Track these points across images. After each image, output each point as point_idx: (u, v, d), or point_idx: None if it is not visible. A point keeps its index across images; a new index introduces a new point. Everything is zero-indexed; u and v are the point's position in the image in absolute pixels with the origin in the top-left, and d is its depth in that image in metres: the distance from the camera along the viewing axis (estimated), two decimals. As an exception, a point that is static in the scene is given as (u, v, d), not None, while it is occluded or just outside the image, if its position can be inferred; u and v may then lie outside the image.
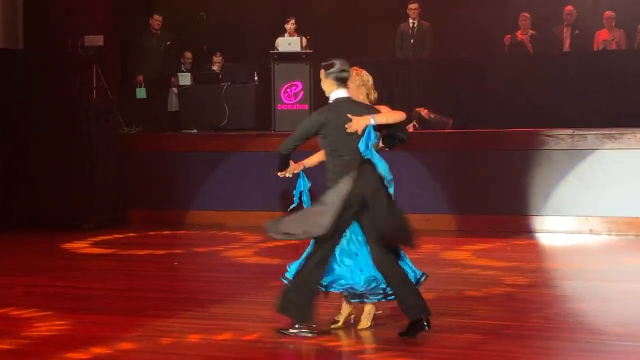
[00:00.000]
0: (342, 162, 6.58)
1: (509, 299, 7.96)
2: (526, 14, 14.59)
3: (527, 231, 11.62)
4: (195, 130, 14.30)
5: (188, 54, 15.49)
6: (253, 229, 12.38)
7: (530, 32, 14.53)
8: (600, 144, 11.52)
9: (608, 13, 14.29)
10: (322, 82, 6.73)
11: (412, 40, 14.67)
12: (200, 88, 14.84)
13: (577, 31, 14.45)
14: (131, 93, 14.77)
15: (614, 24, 14.27)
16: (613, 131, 11.55)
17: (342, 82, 6.68)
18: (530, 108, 13.31)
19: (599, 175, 11.48)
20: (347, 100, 6.67)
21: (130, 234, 12.26)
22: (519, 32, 14.56)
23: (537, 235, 11.52)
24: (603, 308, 7.50)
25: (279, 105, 13.97)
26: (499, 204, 11.92)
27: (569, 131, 11.69)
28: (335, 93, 6.68)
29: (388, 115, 6.70)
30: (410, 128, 13.38)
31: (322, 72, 6.71)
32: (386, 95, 14.04)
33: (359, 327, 6.80)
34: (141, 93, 14.72)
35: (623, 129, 11.57)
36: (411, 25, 14.71)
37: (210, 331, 6.89)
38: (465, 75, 14.01)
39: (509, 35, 14.55)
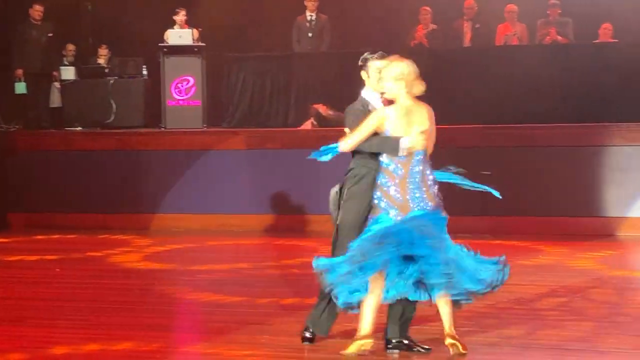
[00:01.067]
0: None
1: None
2: (427, 8, 14.76)
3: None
4: (80, 128, 14.07)
5: (71, 47, 15.23)
6: (143, 231, 12.29)
7: (432, 26, 14.71)
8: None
9: (510, 7, 14.56)
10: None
11: (310, 34, 14.69)
12: (84, 83, 14.59)
13: (477, 25, 14.71)
14: (10, 88, 14.45)
15: (516, 18, 14.55)
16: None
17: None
18: (431, 103, 13.42)
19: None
20: None
21: (8, 239, 12.00)
22: (420, 26, 14.73)
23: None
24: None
25: (169, 101, 13.84)
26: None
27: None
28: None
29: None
30: (308, 125, 13.45)
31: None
32: (283, 91, 14.12)
33: None
34: (21, 88, 14.40)
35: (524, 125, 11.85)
36: (309, 18, 14.71)
37: (105, 341, 6.79)
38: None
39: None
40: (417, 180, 6.11)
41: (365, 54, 6.48)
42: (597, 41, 14.00)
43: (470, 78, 13.37)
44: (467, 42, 14.68)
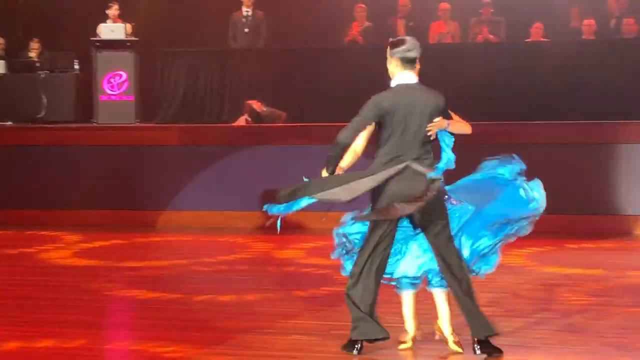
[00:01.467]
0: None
1: (341, 299, 8.00)
2: (362, 5, 14.77)
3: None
4: (10, 123, 13.83)
5: (0, 40, 14.95)
6: (74, 228, 12.10)
7: (366, 23, 14.71)
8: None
9: (443, 5, 14.64)
10: (387, 63, 6.31)
11: (246, 30, 14.59)
12: (14, 77, 14.36)
13: (411, 23, 14.75)
14: None
15: (449, 16, 14.62)
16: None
17: (409, 63, 6.28)
18: (366, 100, 13.43)
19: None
20: (410, 86, 6.25)
21: None
22: (355, 23, 14.72)
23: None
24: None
25: (101, 96, 13.66)
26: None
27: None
28: (399, 76, 6.26)
29: (462, 126, 6.35)
30: (242, 121, 13.36)
31: (388, 51, 6.29)
32: (217, 87, 14.02)
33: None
34: (-51, 82, 14.13)
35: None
36: (245, 14, 14.61)
37: (28, 338, 6.64)
38: (300, 67, 14.03)
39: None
40: None
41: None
42: (528, 40, 14.12)
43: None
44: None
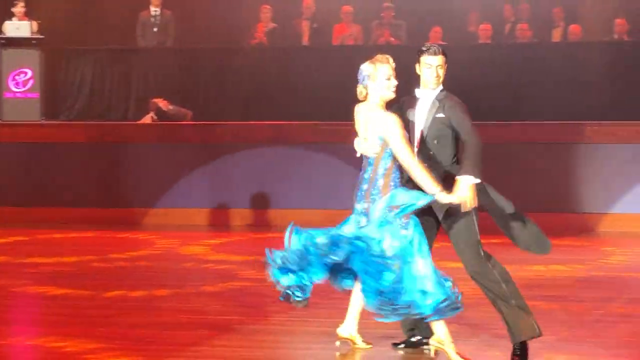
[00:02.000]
0: None
1: (244, 294, 8.07)
2: (267, 6, 14.80)
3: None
4: None
5: None
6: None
7: (272, 24, 14.76)
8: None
9: (346, 8, 14.76)
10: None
11: (155, 29, 14.53)
12: None
13: (315, 25, 14.86)
14: None
15: (351, 19, 14.76)
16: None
17: None
18: (271, 100, 13.55)
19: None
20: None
21: None
22: (261, 24, 14.76)
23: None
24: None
25: (6, 93, 13.43)
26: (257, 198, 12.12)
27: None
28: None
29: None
30: (148, 119, 13.30)
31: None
32: (124, 85, 13.93)
33: None
34: None
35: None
36: (153, 13, 14.55)
37: None
38: (206, 67, 14.03)
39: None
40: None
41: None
42: (429, 43, 14.29)
43: (308, 75, 13.52)
44: (305, 40, 14.80)
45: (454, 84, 12.76)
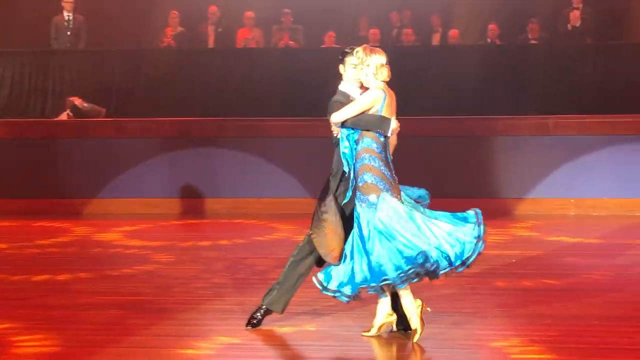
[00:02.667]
0: None
1: (155, 276, 8.01)
2: (175, 12, 14.68)
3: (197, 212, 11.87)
4: None
5: None
6: None
7: (179, 29, 14.64)
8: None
9: (248, 13, 14.74)
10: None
11: (68, 32, 14.32)
12: None
13: (220, 29, 14.80)
14: None
15: (253, 23, 14.73)
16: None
17: None
18: (179, 99, 13.48)
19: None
20: None
21: None
22: (169, 28, 14.62)
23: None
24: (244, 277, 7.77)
25: None
26: (153, 187, 12.01)
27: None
28: None
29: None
30: (64, 116, 13.08)
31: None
32: (41, 85, 13.67)
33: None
34: None
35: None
36: (66, 17, 14.34)
37: None
38: (118, 67, 13.87)
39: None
40: (390, 160, 5.85)
41: (346, 49, 6.02)
42: (324, 46, 14.41)
43: (213, 76, 13.51)
44: (210, 44, 14.73)
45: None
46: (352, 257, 5.79)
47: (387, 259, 5.67)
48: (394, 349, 5.79)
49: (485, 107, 12.45)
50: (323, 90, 12.90)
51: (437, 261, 5.65)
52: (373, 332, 5.95)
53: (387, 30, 14.87)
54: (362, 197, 5.76)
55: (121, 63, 13.86)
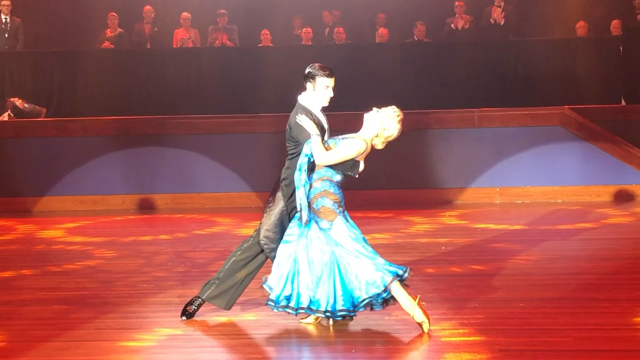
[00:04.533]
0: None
1: (98, 271, 7.92)
2: (114, 14, 14.51)
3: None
4: None
5: None
6: None
7: (118, 29, 14.47)
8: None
9: (184, 14, 14.64)
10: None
11: (6, 35, 14.07)
12: None
13: (156, 29, 14.68)
14: None
15: (190, 24, 14.63)
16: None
17: None
18: (119, 99, 13.35)
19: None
20: None
21: None
22: (108, 30, 14.45)
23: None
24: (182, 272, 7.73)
25: None
26: (94, 184, 11.88)
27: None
28: None
29: None
30: (5, 117, 12.85)
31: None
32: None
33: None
34: None
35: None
36: (4, 20, 14.11)
37: None
38: (58, 67, 13.66)
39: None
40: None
41: (313, 69, 5.93)
42: (260, 45, 14.37)
43: (151, 76, 13.43)
44: (148, 44, 14.59)
45: (285, 83, 12.99)
46: (297, 273, 5.83)
47: (340, 289, 5.76)
48: (332, 334, 5.82)
49: (414, 101, 12.56)
50: (260, 88, 13.03)
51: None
52: (311, 319, 5.98)
53: (320, 29, 14.90)
54: (317, 219, 5.84)
55: (61, 64, 13.66)
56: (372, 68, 13.37)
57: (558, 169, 11.75)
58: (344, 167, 5.87)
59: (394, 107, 5.96)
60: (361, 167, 5.92)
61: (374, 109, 5.96)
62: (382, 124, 5.89)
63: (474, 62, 13.45)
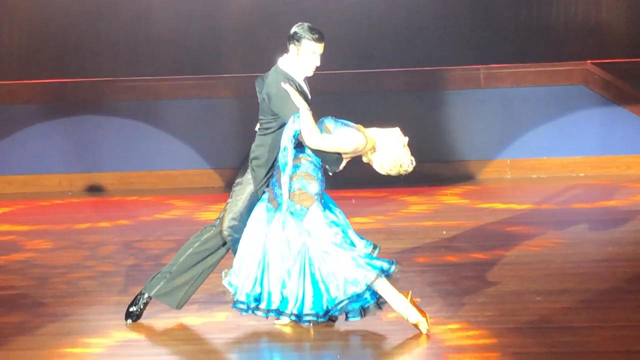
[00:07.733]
0: None
1: (30, 266, 7.92)
2: None
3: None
4: None
5: None
6: None
7: None
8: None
9: None
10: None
11: None
12: None
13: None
14: None
15: None
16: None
17: None
18: (51, 58, 13.31)
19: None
20: None
21: None
22: None
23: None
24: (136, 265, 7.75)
25: None
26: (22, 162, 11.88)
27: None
28: None
29: None
30: None
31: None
32: None
33: None
34: None
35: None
36: None
37: None
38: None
39: None
40: None
41: (300, 29, 5.82)
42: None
43: (89, 29, 13.37)
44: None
45: (251, 38, 12.97)
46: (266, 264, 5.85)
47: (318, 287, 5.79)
48: (310, 336, 5.85)
49: (408, 58, 12.57)
50: (220, 44, 12.98)
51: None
52: (285, 320, 6.00)
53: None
54: (290, 202, 5.80)
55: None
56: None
57: (579, 137, 11.82)
58: (327, 157, 5.83)
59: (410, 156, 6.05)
60: (342, 165, 5.88)
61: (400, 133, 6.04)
62: (390, 145, 5.94)
63: (479, 10, 13.45)
